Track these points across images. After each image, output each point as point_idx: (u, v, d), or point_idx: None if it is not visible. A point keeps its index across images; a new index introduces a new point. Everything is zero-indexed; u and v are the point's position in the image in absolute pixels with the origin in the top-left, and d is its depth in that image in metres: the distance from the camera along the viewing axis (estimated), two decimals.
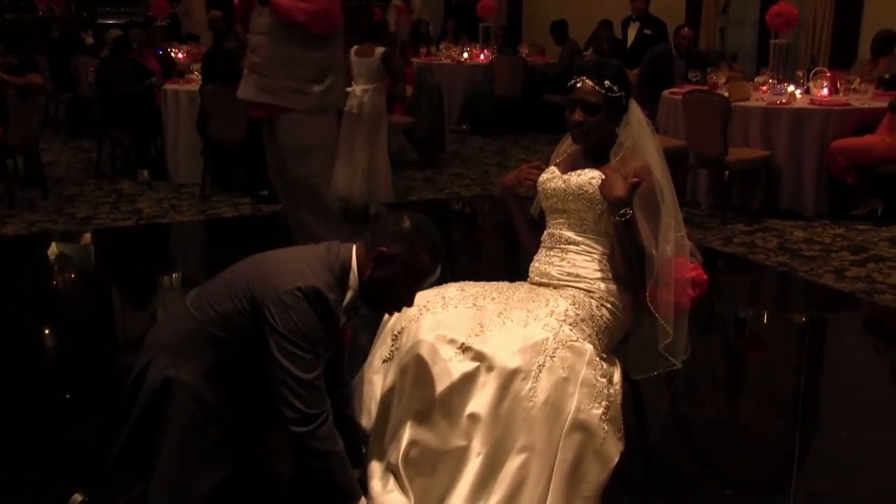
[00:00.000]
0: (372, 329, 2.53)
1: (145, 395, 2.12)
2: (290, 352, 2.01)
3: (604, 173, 2.43)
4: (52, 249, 5.47)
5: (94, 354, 3.88)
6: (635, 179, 2.34)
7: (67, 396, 3.42)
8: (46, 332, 4.22)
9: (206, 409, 2.09)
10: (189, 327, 2.14)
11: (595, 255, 2.48)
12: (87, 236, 5.75)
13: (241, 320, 2.08)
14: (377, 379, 2.38)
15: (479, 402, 2.16)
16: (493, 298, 2.41)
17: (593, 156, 2.52)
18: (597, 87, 2.43)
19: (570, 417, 2.17)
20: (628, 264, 2.40)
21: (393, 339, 2.38)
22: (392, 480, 2.22)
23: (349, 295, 2.14)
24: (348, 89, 5.69)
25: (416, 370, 2.22)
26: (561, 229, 2.54)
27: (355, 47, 5.96)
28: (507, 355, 2.19)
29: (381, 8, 13.24)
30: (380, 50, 5.92)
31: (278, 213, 6.09)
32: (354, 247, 2.16)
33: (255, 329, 2.06)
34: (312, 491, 2.16)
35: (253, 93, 4.25)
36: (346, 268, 2.13)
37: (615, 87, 2.43)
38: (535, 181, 2.60)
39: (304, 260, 2.11)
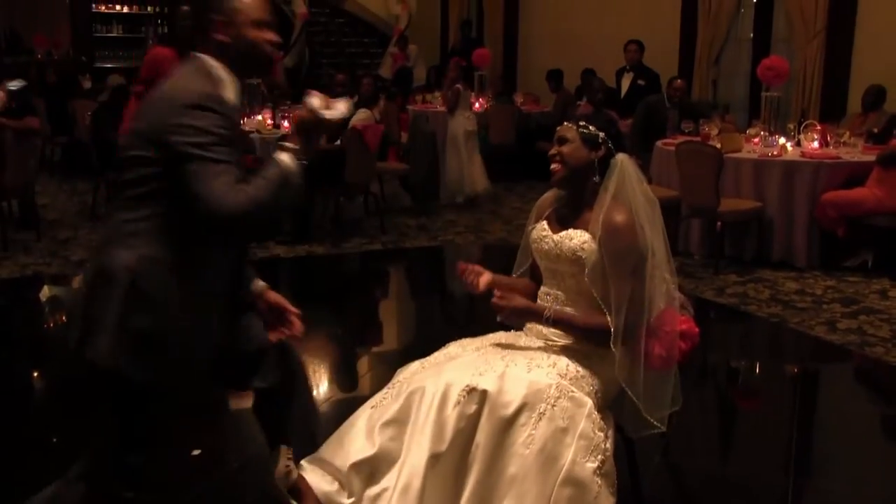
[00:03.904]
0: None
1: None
2: (199, 171, 1.99)
3: (588, 227, 2.46)
4: (45, 292, 5.49)
5: (86, 398, 3.88)
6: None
7: (54, 440, 3.42)
8: (37, 374, 4.23)
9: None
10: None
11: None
12: (81, 279, 5.77)
13: (155, 172, 2.07)
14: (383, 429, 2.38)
15: (477, 441, 2.21)
16: (494, 347, 2.48)
17: (575, 204, 2.54)
18: (573, 125, 2.52)
19: (564, 469, 2.20)
20: (594, 342, 2.45)
21: (391, 388, 2.42)
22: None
23: (231, 87, 2.19)
24: (467, 114, 8.33)
25: (418, 421, 2.27)
26: (556, 289, 2.57)
27: (461, 83, 8.24)
28: (508, 398, 2.23)
29: (377, 54, 13.49)
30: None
31: (277, 258, 6.14)
32: (198, 54, 2.21)
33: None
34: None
35: None
36: (210, 68, 2.18)
37: (591, 127, 2.50)
38: (478, 290, 2.56)
39: (183, 79, 2.15)
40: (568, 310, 2.50)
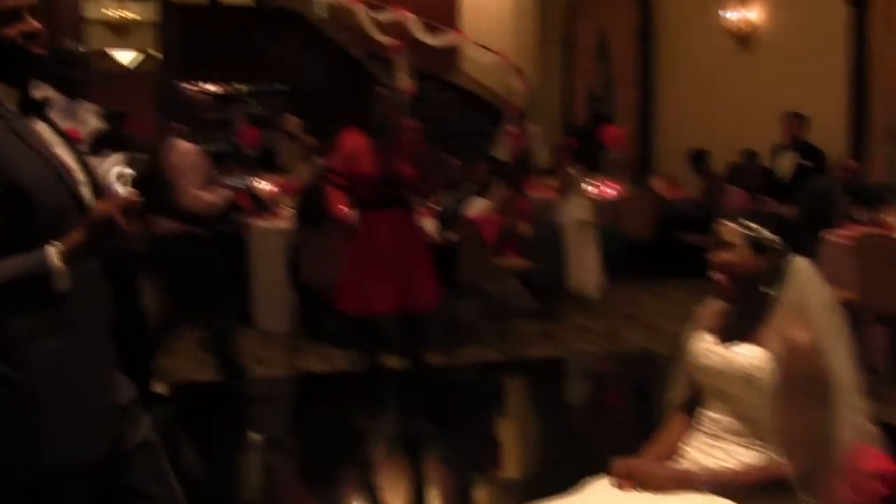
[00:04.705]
0: None
1: None
2: None
3: (762, 344, 2.43)
4: None
5: None
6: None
7: None
8: None
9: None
10: None
11: (768, 450, 2.44)
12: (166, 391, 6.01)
13: None
14: None
15: None
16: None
17: (744, 316, 2.51)
18: (739, 228, 2.50)
19: None
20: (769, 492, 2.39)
21: None
22: None
23: (9, 95, 2.19)
24: (579, 201, 8.41)
25: None
26: (722, 414, 2.53)
27: (574, 166, 8.71)
28: None
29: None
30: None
31: (381, 368, 6.23)
32: None
33: None
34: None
35: None
36: None
37: (761, 230, 2.48)
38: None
39: None
40: (727, 462, 2.46)
